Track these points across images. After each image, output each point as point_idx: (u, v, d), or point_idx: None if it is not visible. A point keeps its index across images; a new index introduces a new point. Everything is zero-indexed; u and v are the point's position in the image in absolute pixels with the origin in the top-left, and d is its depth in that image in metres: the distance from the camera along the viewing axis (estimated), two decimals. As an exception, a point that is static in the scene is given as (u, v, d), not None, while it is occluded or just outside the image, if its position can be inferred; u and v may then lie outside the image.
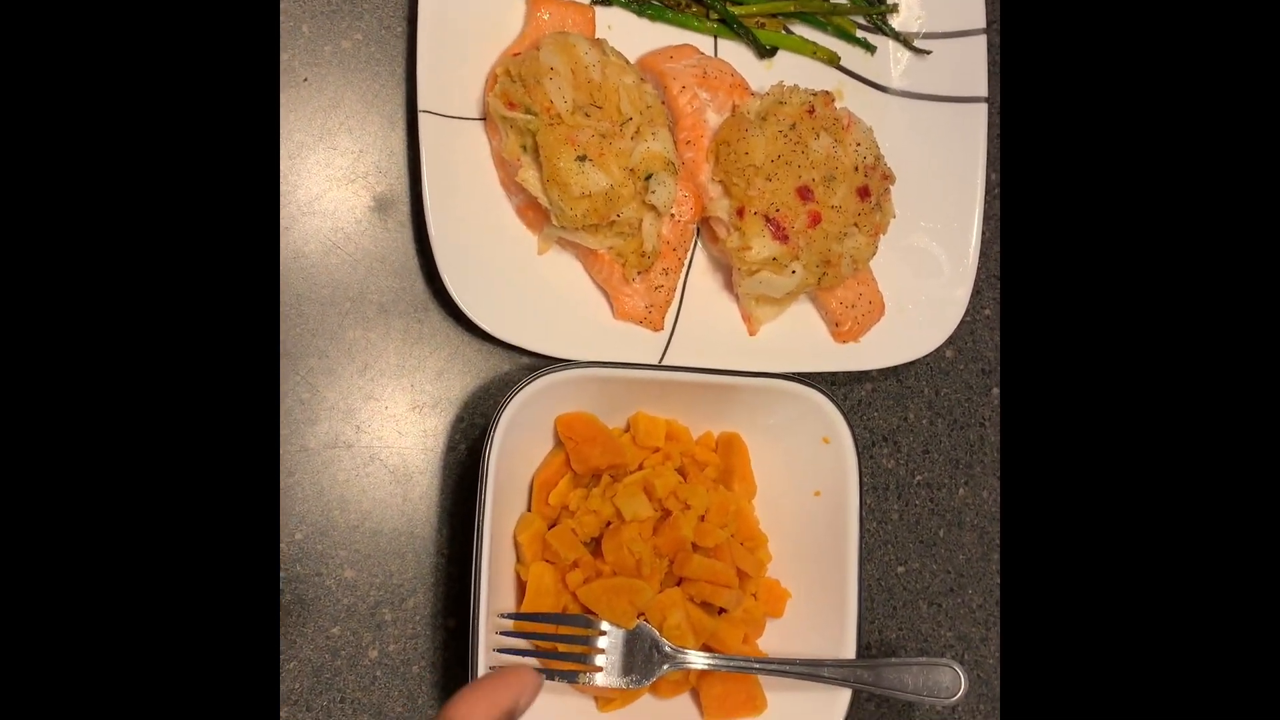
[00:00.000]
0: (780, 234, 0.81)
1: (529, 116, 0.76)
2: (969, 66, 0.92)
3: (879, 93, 0.93)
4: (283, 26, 0.77)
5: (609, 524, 0.76)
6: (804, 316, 0.88)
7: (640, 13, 0.86)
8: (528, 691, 0.50)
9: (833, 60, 0.91)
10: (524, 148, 0.77)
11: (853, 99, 0.91)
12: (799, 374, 0.82)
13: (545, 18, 0.81)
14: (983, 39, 0.92)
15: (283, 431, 0.75)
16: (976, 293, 0.95)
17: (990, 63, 0.93)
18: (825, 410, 0.80)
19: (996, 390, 0.97)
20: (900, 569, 0.93)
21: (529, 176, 0.77)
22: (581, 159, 0.76)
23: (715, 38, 0.88)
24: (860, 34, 0.92)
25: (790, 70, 0.90)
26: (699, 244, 0.87)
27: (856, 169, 0.83)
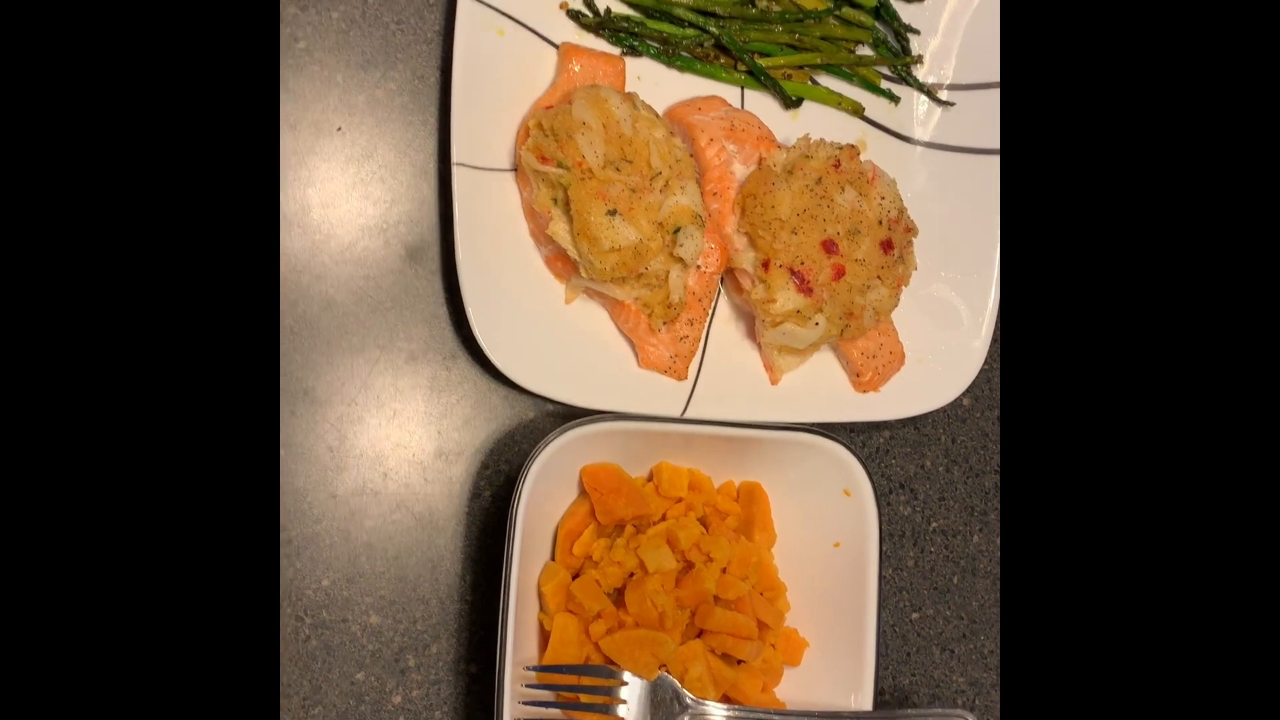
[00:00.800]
0: (804, 287, 0.82)
1: (561, 170, 0.77)
2: (985, 119, 0.93)
3: (902, 143, 0.94)
4: (318, 76, 0.77)
5: (632, 575, 0.76)
6: (825, 366, 0.89)
7: (670, 64, 0.86)
8: None
9: (857, 111, 0.92)
10: (555, 200, 0.78)
11: (876, 149, 0.92)
12: (820, 424, 0.83)
13: (576, 69, 0.82)
14: (997, 92, 0.93)
15: (311, 478, 0.76)
16: (994, 341, 0.96)
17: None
18: (847, 463, 0.80)
19: (1012, 438, 0.98)
20: (915, 615, 0.94)
21: (559, 230, 0.78)
22: (611, 213, 0.77)
23: (743, 88, 0.89)
24: (885, 85, 0.93)
25: (816, 120, 0.91)
26: (723, 292, 0.88)
27: (880, 222, 0.84)
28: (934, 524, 0.95)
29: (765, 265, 0.82)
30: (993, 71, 0.93)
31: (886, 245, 0.85)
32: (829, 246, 0.82)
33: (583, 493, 0.79)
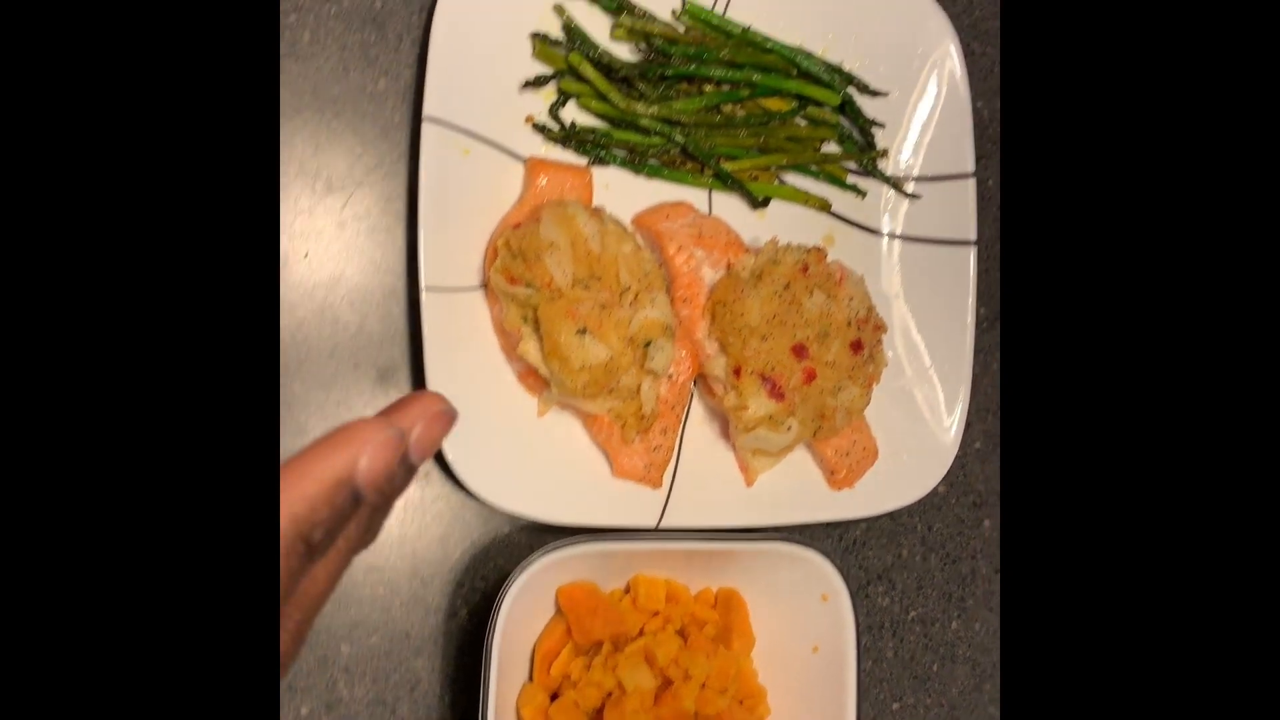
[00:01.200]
0: (776, 392, 0.82)
1: (530, 291, 0.77)
2: (958, 210, 0.94)
3: (870, 236, 0.94)
4: (284, 202, 0.78)
5: (610, 694, 0.76)
6: (800, 464, 0.89)
7: (637, 171, 0.87)
8: (374, 449, 0.37)
9: (824, 207, 0.92)
10: (525, 319, 0.78)
11: (844, 244, 0.93)
12: (797, 525, 0.83)
13: (544, 183, 0.82)
14: (971, 182, 0.94)
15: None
16: (967, 426, 0.97)
17: (980, 203, 0.95)
18: (823, 570, 0.81)
19: (988, 522, 0.99)
20: (895, 705, 0.94)
21: (530, 349, 0.78)
22: (581, 332, 0.77)
23: (710, 191, 0.90)
24: (851, 179, 0.93)
25: (783, 217, 0.92)
26: (695, 393, 0.88)
27: (849, 324, 0.85)
28: (912, 613, 0.95)
29: (736, 372, 0.83)
30: (963, 162, 0.94)
31: (856, 346, 0.85)
32: (799, 351, 0.83)
33: (559, 611, 0.79)
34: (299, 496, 0.36)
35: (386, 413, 0.40)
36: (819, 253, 0.86)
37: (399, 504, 0.80)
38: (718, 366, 0.84)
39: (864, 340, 0.85)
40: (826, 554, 0.81)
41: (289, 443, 0.77)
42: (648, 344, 0.80)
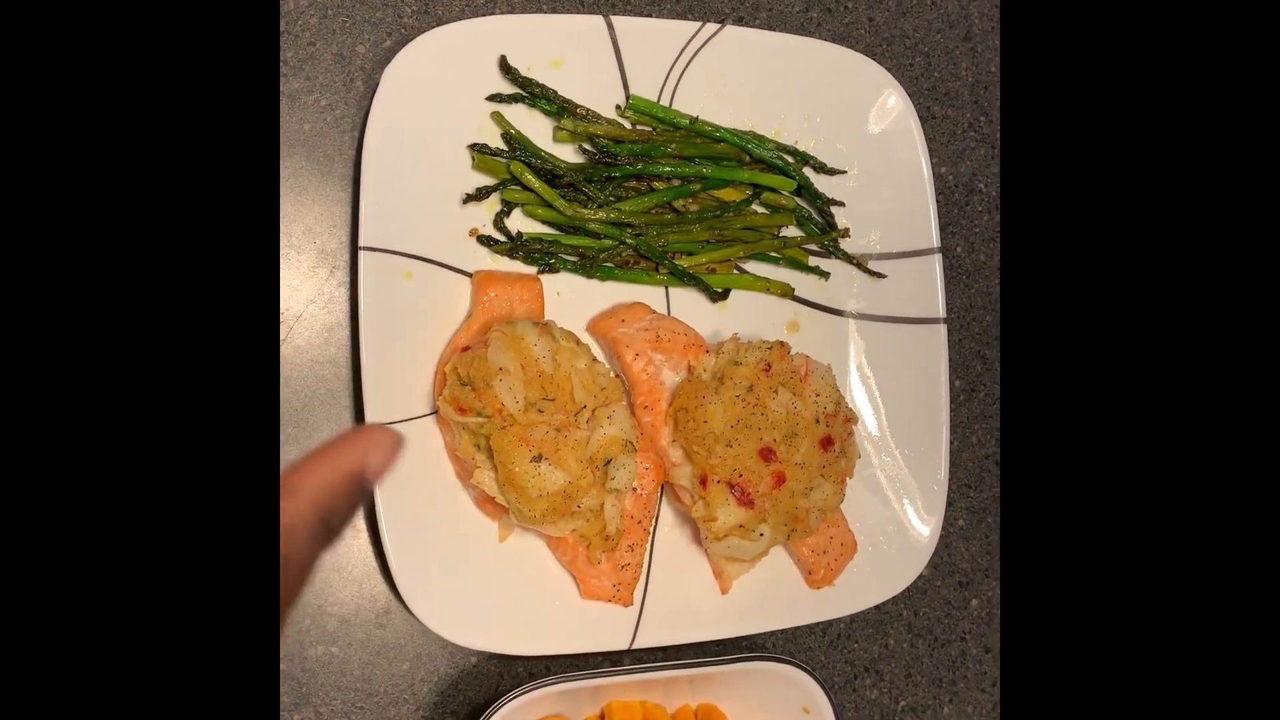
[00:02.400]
0: (745, 499, 0.79)
1: (481, 419, 0.74)
2: (923, 287, 0.91)
3: (835, 317, 0.91)
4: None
5: (590, 833, 0.74)
6: (777, 563, 0.86)
7: (589, 275, 0.84)
8: (379, 451, 0.44)
9: (786, 292, 0.89)
10: (478, 447, 0.75)
11: (809, 328, 0.90)
12: (777, 631, 0.80)
13: (492, 296, 0.79)
14: (936, 258, 0.91)
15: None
16: (949, 504, 0.94)
17: (950, 269, 0.92)
18: (804, 684, 0.78)
19: (976, 601, 0.96)
20: (891, 801, 0.91)
21: (484, 478, 0.75)
22: (537, 459, 0.74)
23: (667, 288, 0.87)
24: (813, 262, 0.91)
25: (745, 308, 0.89)
26: (663, 498, 0.86)
27: (818, 420, 0.82)
28: (902, 703, 0.93)
29: (703, 481, 0.80)
30: (927, 238, 0.91)
31: (826, 442, 0.82)
32: (766, 455, 0.80)
33: (532, 748, 0.76)
34: (321, 485, 0.41)
35: (342, 440, 0.44)
36: (781, 348, 0.83)
37: (360, 645, 0.77)
38: (683, 476, 0.81)
39: (834, 435, 0.83)
40: (808, 662, 0.78)
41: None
42: (608, 462, 0.77)
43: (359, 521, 0.78)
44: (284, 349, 0.76)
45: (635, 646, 0.80)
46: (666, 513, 0.86)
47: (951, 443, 0.93)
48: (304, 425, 0.77)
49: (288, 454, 0.76)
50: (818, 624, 0.90)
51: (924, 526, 0.89)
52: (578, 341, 0.79)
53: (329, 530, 0.42)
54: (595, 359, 0.79)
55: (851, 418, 0.84)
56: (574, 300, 0.84)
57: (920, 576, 0.94)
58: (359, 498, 0.43)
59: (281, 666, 0.75)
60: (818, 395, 0.83)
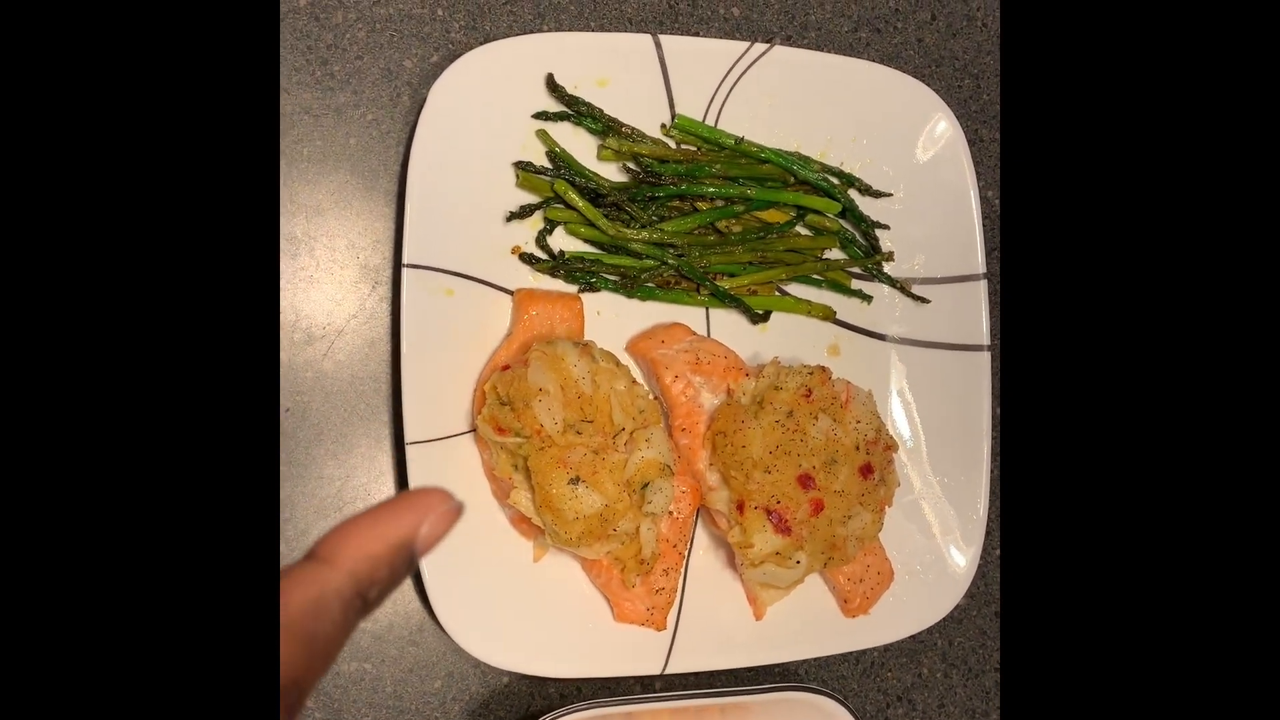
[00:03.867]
0: (783, 526, 0.78)
1: (519, 440, 0.74)
2: (968, 313, 0.90)
3: (877, 341, 0.90)
4: (262, 355, 0.75)
5: None
6: (812, 591, 0.85)
7: (630, 295, 0.83)
8: (436, 520, 0.39)
9: (828, 315, 0.88)
10: (515, 467, 0.75)
11: (850, 352, 0.89)
12: (811, 660, 0.79)
13: (533, 315, 0.79)
14: (982, 284, 0.90)
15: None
16: (987, 533, 0.93)
17: (993, 299, 0.91)
18: (837, 715, 0.77)
19: (1012, 633, 0.94)
20: (921, 833, 0.90)
21: (521, 499, 0.75)
22: (575, 481, 0.73)
23: (707, 309, 0.86)
24: (856, 285, 0.90)
25: (786, 330, 0.88)
26: (699, 521, 0.85)
27: (858, 448, 0.81)
28: (936, 734, 0.91)
29: (740, 507, 0.79)
30: (973, 264, 0.90)
31: (866, 470, 0.81)
32: (805, 481, 0.79)
33: (562, 772, 0.76)
34: (363, 555, 0.37)
35: (392, 505, 0.40)
36: (823, 373, 0.82)
37: (393, 662, 0.77)
38: (720, 501, 0.80)
39: (874, 463, 0.81)
40: (841, 690, 0.77)
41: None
42: (645, 485, 0.76)
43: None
44: (325, 364, 0.76)
45: (668, 671, 0.79)
46: (701, 536, 0.85)
47: (992, 472, 0.92)
48: (343, 440, 0.77)
49: (325, 470, 0.76)
50: (851, 653, 0.89)
51: (961, 557, 0.88)
52: (617, 363, 0.78)
53: (366, 604, 0.38)
54: (635, 380, 0.78)
55: (892, 445, 0.83)
56: (614, 319, 0.83)
57: (956, 606, 0.92)
58: (404, 571, 0.39)
59: (327, 685, 0.75)
60: (858, 422, 0.82)
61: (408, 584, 0.78)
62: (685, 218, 0.83)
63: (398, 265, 0.75)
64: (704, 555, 0.85)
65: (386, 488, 0.77)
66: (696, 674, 0.81)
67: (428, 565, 0.73)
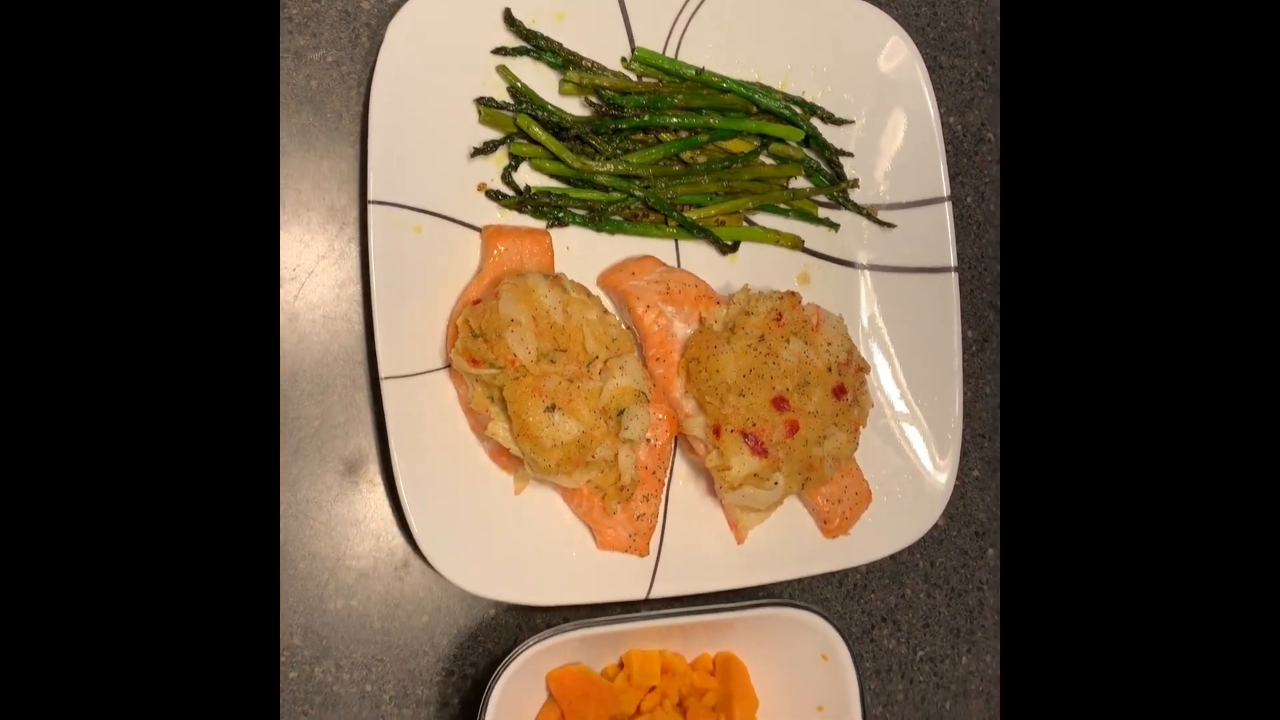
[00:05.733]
0: (759, 448, 0.79)
1: (494, 371, 0.74)
2: (935, 236, 0.91)
3: (846, 269, 0.91)
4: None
5: (611, 779, 0.74)
6: (792, 513, 0.86)
7: (598, 229, 0.84)
8: None
9: (797, 244, 0.89)
10: (492, 399, 0.76)
11: (820, 280, 0.90)
12: (793, 580, 0.80)
13: (502, 251, 0.79)
14: (945, 207, 0.91)
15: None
16: (964, 454, 0.94)
17: (958, 223, 0.92)
18: (821, 630, 0.78)
19: (992, 551, 0.96)
20: (910, 749, 0.92)
21: (499, 430, 0.75)
22: (551, 409, 0.74)
23: (676, 240, 0.87)
24: (823, 213, 0.90)
25: (755, 260, 0.89)
26: (678, 450, 0.86)
27: (830, 369, 0.82)
28: (920, 652, 0.93)
29: (716, 431, 0.80)
30: (936, 187, 0.91)
31: (839, 391, 0.82)
32: (779, 404, 0.80)
33: (552, 696, 0.77)
34: None
35: None
36: (793, 298, 0.83)
37: (380, 598, 0.77)
38: (696, 426, 0.81)
39: (847, 384, 0.82)
40: (825, 610, 0.78)
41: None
42: (621, 413, 0.77)
43: (375, 475, 0.78)
44: (296, 305, 0.76)
45: (652, 596, 0.80)
46: (681, 466, 0.86)
47: (965, 393, 0.93)
48: (318, 380, 0.77)
49: (302, 410, 0.76)
50: (834, 575, 0.90)
51: (939, 475, 0.89)
52: (588, 294, 0.79)
53: None
54: (606, 311, 0.79)
55: (864, 367, 0.84)
56: (584, 254, 0.84)
57: (936, 527, 0.93)
58: None
59: (301, 620, 0.75)
60: (829, 344, 0.83)
61: (390, 521, 0.78)
62: (650, 149, 0.84)
63: (364, 205, 0.75)
64: (684, 485, 0.85)
65: (365, 425, 0.78)
66: (681, 599, 0.82)
67: (411, 501, 0.74)
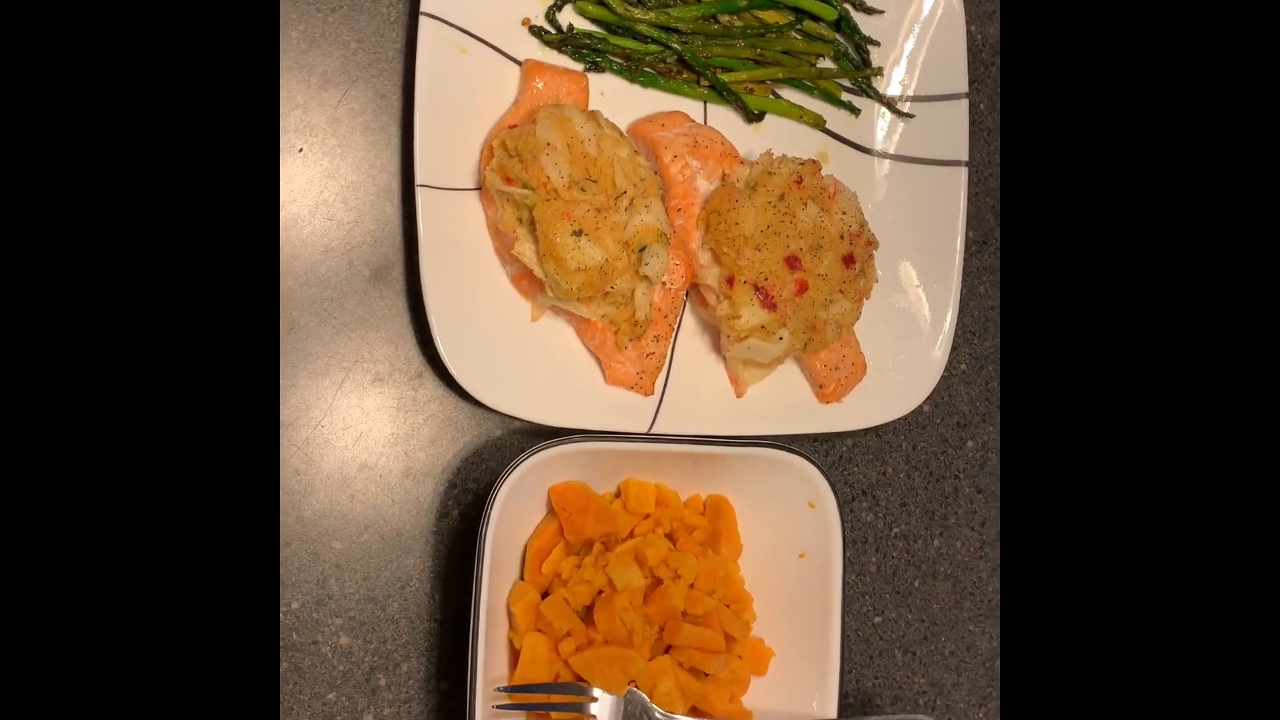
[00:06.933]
0: (769, 302, 0.83)
1: (526, 191, 0.77)
2: (950, 130, 0.94)
3: (862, 154, 0.95)
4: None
5: (601, 592, 0.77)
6: (789, 377, 0.90)
7: (632, 79, 0.86)
8: None
9: (818, 124, 0.92)
10: (520, 220, 0.78)
11: (837, 161, 0.93)
12: (785, 435, 0.84)
13: (540, 86, 0.82)
14: (964, 103, 0.94)
15: (279, 501, 0.75)
16: (954, 348, 0.98)
17: (971, 126, 0.96)
18: (811, 477, 0.82)
19: (971, 443, 1.00)
20: (877, 619, 0.96)
21: (525, 250, 0.78)
22: (577, 233, 0.77)
23: (705, 103, 0.89)
24: (845, 97, 0.94)
25: (778, 133, 0.92)
26: (688, 306, 0.89)
27: (842, 237, 0.85)
28: (895, 529, 0.97)
29: (730, 281, 0.83)
30: (957, 83, 0.94)
31: (848, 259, 0.86)
32: (792, 262, 0.83)
33: (551, 511, 0.80)
34: None
35: None
36: (814, 165, 0.86)
37: (392, 403, 0.80)
38: (711, 276, 0.84)
39: (856, 254, 0.86)
40: (814, 463, 0.82)
41: (282, 342, 0.77)
42: (642, 249, 0.80)
43: (400, 285, 0.80)
44: (338, 111, 0.78)
45: (653, 432, 0.83)
46: (689, 321, 0.89)
47: (961, 289, 0.96)
48: (355, 189, 0.79)
49: (334, 213, 0.78)
50: (820, 444, 0.94)
51: (929, 359, 0.93)
52: (621, 133, 0.82)
53: None
54: (636, 151, 0.82)
55: (873, 241, 0.88)
56: (617, 103, 0.86)
57: (921, 412, 0.97)
58: None
59: (308, 413, 0.78)
60: (844, 214, 0.86)
61: (409, 335, 0.81)
62: (690, 6, 0.86)
63: (414, 17, 0.77)
64: (691, 339, 0.89)
65: (394, 234, 0.80)
66: (680, 439, 0.85)
67: (433, 305, 0.76)
